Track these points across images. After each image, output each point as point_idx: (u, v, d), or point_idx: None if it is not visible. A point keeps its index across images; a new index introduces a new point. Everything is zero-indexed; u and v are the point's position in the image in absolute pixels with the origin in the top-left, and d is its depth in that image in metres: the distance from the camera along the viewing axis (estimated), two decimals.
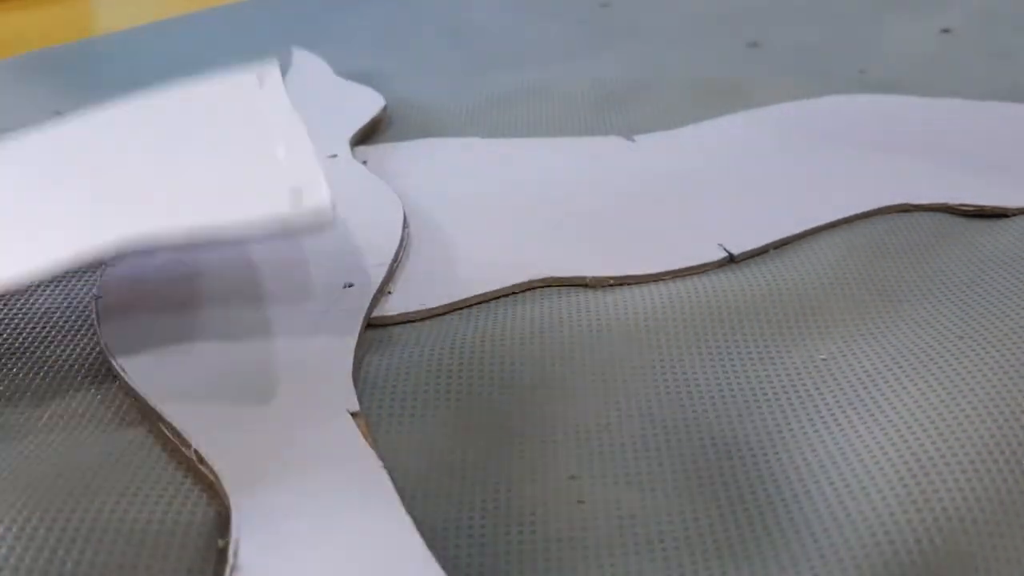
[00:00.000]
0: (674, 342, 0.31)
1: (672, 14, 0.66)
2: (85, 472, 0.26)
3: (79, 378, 0.29)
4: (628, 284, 0.34)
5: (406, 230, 0.36)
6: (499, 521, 0.24)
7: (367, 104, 0.48)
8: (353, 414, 0.26)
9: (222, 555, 0.23)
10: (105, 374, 0.29)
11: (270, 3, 0.71)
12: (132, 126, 0.35)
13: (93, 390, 0.29)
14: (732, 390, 0.29)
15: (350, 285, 0.32)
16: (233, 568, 0.22)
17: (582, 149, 0.44)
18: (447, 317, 0.32)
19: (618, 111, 0.49)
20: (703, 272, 0.34)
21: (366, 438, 0.25)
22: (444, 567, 0.23)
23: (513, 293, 0.33)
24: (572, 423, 0.27)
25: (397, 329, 0.32)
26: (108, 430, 0.27)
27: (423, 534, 0.23)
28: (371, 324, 0.32)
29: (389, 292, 0.33)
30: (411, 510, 0.24)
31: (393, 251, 0.34)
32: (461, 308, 0.33)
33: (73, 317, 0.32)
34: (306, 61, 0.56)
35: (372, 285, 0.32)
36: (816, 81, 0.52)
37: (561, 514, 0.25)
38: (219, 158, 0.31)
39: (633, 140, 0.45)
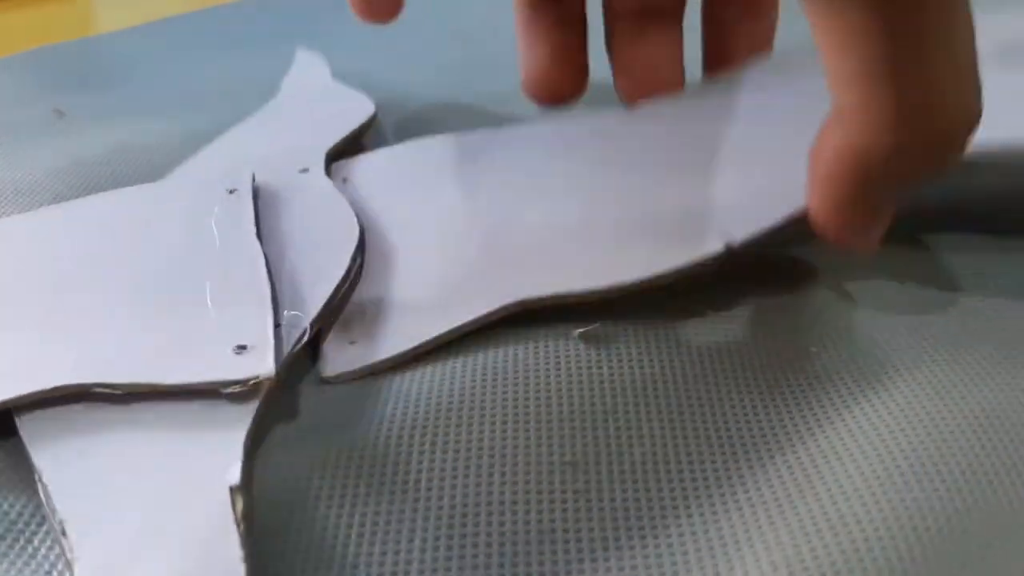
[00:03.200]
0: (670, 336, 0.31)
1: None
2: None
3: None
4: (611, 297, 0.31)
5: (356, 263, 0.32)
6: (493, 510, 0.25)
7: (354, 113, 0.45)
8: (232, 489, 0.23)
9: None
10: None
11: (270, 3, 0.71)
12: (87, 236, 0.34)
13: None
14: (728, 383, 0.29)
15: (277, 326, 0.29)
16: None
17: (571, 130, 0.40)
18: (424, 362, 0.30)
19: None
20: (700, 268, 0.31)
21: (238, 520, 0.22)
22: (437, 559, 0.23)
23: (480, 328, 0.30)
24: (568, 412, 0.27)
25: (357, 385, 0.29)
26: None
27: (417, 527, 0.23)
28: (327, 381, 0.29)
29: (352, 342, 0.30)
30: (412, 495, 0.24)
31: (330, 291, 0.30)
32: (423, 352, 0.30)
33: None
34: (306, 63, 0.55)
35: (298, 328, 0.29)
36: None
37: (556, 505, 0.25)
38: (171, 293, 0.30)
39: (632, 110, 0.41)
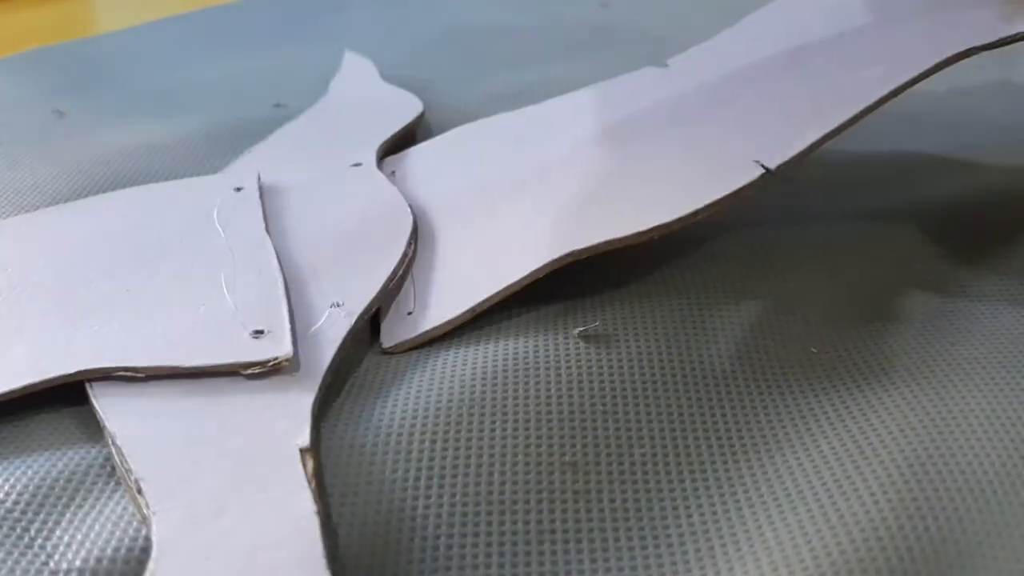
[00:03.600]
0: (669, 336, 0.31)
1: (672, 14, 0.66)
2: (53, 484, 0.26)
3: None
4: (655, 237, 0.31)
5: (410, 247, 0.34)
6: (493, 510, 0.24)
7: (403, 111, 0.47)
8: (303, 450, 0.25)
9: None
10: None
11: (268, 3, 0.71)
12: (103, 231, 0.35)
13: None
14: (727, 384, 0.29)
15: (339, 305, 0.31)
16: None
17: (603, 95, 0.41)
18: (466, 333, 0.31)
19: None
20: (740, 197, 0.31)
21: (309, 478, 0.24)
22: (438, 557, 0.23)
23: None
24: (568, 412, 0.27)
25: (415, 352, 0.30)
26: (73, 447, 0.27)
27: (416, 526, 0.23)
28: (388, 352, 0.30)
29: (409, 313, 0.31)
30: (412, 492, 0.24)
31: (389, 271, 0.33)
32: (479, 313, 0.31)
33: None
34: (354, 65, 0.56)
35: (360, 305, 0.31)
36: None
37: (555, 506, 0.25)
38: (187, 283, 0.31)
39: (667, 65, 0.42)
